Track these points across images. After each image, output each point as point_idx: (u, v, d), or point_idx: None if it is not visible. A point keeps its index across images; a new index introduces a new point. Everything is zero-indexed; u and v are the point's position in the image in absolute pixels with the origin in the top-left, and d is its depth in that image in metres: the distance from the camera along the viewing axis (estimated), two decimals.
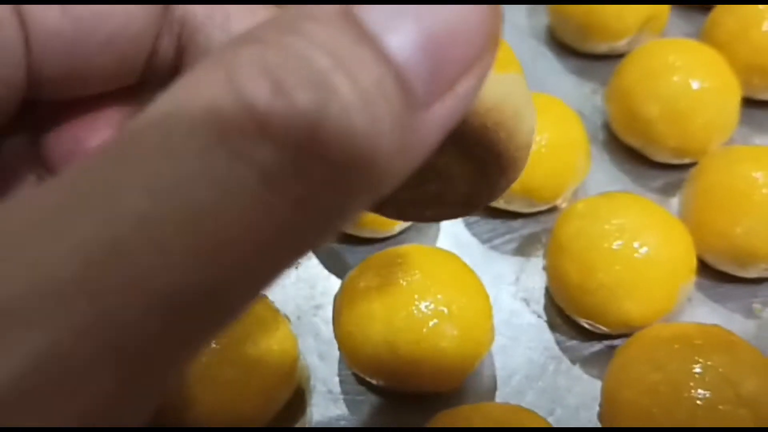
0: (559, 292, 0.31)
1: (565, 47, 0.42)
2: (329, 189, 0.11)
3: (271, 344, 0.28)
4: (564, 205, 0.35)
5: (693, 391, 0.25)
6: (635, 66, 0.36)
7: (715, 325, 0.28)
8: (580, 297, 0.29)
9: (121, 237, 0.10)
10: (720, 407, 0.25)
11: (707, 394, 0.25)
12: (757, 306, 0.32)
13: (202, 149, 0.10)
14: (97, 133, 0.20)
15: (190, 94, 0.11)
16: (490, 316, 0.29)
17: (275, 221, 0.11)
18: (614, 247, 0.29)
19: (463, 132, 0.15)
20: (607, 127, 0.38)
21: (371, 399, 0.30)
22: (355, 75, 0.11)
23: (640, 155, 0.37)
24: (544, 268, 0.32)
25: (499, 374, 0.31)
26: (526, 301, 0.33)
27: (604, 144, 0.38)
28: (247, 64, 0.11)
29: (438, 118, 0.12)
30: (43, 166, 0.20)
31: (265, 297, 0.30)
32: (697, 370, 0.26)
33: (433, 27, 0.12)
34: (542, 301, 0.33)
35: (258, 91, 0.11)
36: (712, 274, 0.32)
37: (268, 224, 0.11)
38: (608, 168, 0.37)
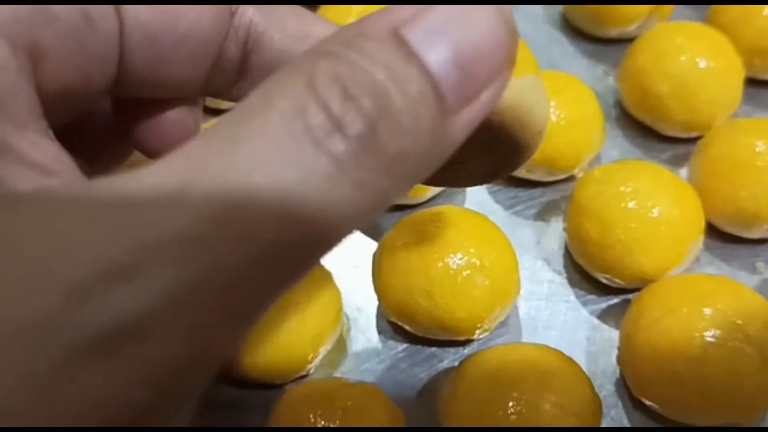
0: (578, 250, 0.34)
1: (578, 32, 0.44)
2: (381, 173, 0.14)
3: (320, 294, 0.31)
4: (581, 175, 0.38)
5: (704, 331, 0.28)
6: (646, 47, 0.38)
7: (723, 276, 0.30)
8: (599, 253, 0.32)
9: (232, 201, 0.13)
10: (729, 344, 0.28)
11: (717, 333, 0.28)
12: (760, 264, 0.35)
13: (294, 138, 0.13)
14: (174, 123, 0.23)
15: (279, 93, 0.14)
16: (517, 270, 0.32)
17: (341, 198, 0.14)
18: (630, 207, 0.32)
19: (487, 126, 0.19)
20: (619, 105, 0.41)
21: (407, 347, 0.33)
22: (404, 86, 0.14)
23: (649, 130, 0.40)
24: (564, 230, 0.35)
25: (524, 325, 0.34)
26: (547, 261, 0.36)
27: (616, 120, 0.41)
28: (323, 74, 0.14)
29: (465, 119, 0.15)
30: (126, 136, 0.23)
31: None
32: (707, 312, 0.28)
33: (463, 48, 0.15)
34: (562, 260, 0.36)
35: (332, 96, 0.14)
36: (719, 236, 0.35)
37: (335, 199, 0.14)
38: (621, 142, 0.40)
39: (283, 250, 0.13)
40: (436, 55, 0.15)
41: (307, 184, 0.13)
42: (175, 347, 0.13)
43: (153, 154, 0.23)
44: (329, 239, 0.14)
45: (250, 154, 0.13)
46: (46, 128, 0.18)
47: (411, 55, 0.14)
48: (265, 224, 0.13)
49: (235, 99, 0.22)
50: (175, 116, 0.22)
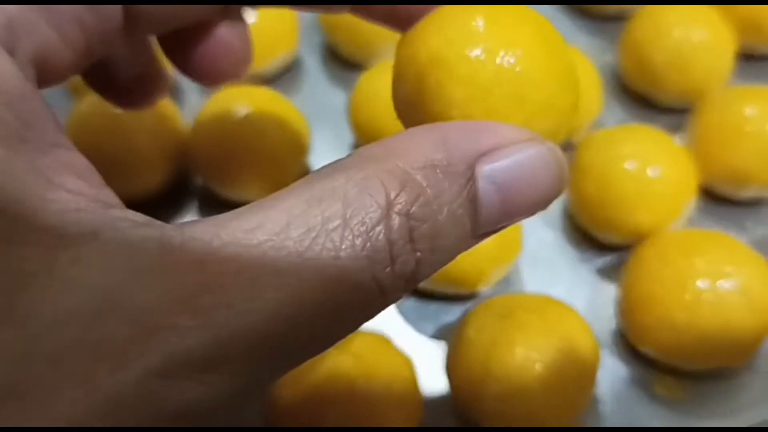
0: (579, 208, 0.35)
1: (577, 10, 0.46)
2: (405, 287, 0.16)
3: None
4: (578, 140, 0.39)
5: (697, 280, 0.30)
6: (645, 21, 0.40)
7: (716, 231, 0.32)
8: (599, 211, 0.34)
9: (298, 292, 0.15)
10: (720, 292, 0.29)
11: (709, 282, 0.30)
12: (749, 225, 0.36)
13: (355, 254, 0.15)
14: (221, 45, 0.24)
15: (358, 208, 0.15)
16: (519, 227, 0.33)
17: (372, 313, 0.16)
18: (629, 167, 0.33)
19: None
20: (616, 80, 0.43)
21: (413, 302, 0.35)
22: (456, 227, 0.16)
23: (645, 103, 0.41)
24: (566, 193, 0.36)
25: (526, 281, 0.35)
26: (548, 220, 0.37)
27: (614, 94, 0.42)
28: (399, 211, 0.15)
29: (484, 237, 0.17)
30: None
31: None
32: (701, 262, 0.30)
33: (515, 197, 0.17)
34: (561, 220, 0.37)
35: (398, 235, 0.15)
36: (711, 199, 0.37)
37: (367, 315, 0.16)
38: (618, 113, 0.42)
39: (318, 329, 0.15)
40: (491, 199, 0.16)
41: (352, 295, 0.15)
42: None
43: (211, 81, 0.24)
44: (345, 333, 0.16)
45: (317, 257, 0.15)
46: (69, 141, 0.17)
47: (474, 198, 0.16)
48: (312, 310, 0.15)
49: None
50: (220, 38, 0.23)
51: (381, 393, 0.29)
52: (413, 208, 0.15)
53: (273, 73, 0.43)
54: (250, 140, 0.36)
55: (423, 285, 0.33)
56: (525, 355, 0.28)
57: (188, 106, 0.42)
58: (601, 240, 0.35)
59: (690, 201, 0.34)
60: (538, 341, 0.29)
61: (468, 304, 0.34)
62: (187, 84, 0.43)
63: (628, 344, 0.32)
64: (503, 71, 0.18)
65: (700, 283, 0.30)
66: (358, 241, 0.15)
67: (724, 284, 0.30)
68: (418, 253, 0.16)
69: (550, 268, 0.36)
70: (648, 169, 0.33)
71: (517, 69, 0.18)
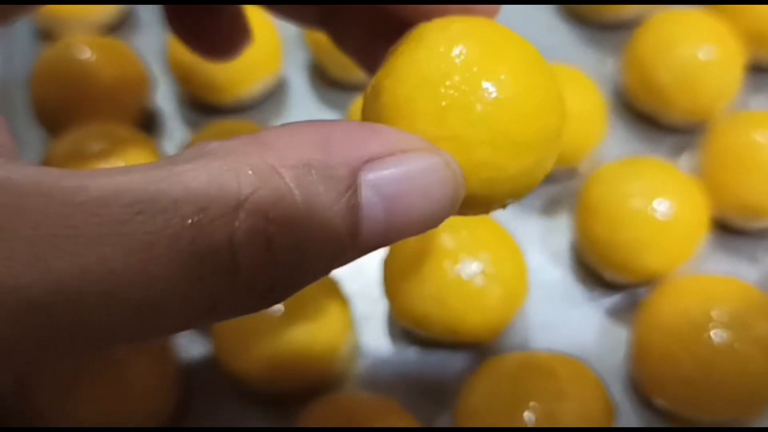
0: (587, 249, 0.34)
1: (575, 17, 0.44)
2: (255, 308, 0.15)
3: (329, 307, 0.31)
4: (583, 168, 0.38)
5: (712, 332, 0.29)
6: (648, 36, 0.38)
7: (731, 277, 0.31)
8: (608, 252, 0.33)
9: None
10: (735, 346, 0.28)
11: (724, 335, 0.29)
12: (760, 255, 0.35)
13: (176, 253, 0.13)
14: None
15: (193, 199, 0.13)
16: (525, 273, 0.32)
17: (192, 322, 0.14)
18: (638, 207, 0.32)
19: None
20: (616, 93, 0.41)
21: (418, 351, 0.33)
22: (333, 237, 0.14)
23: (647, 119, 0.40)
24: (572, 229, 0.35)
25: (532, 324, 0.34)
26: (554, 256, 0.36)
27: (615, 108, 0.41)
28: (252, 211, 0.13)
29: (365, 252, 0.15)
30: None
31: None
32: (716, 314, 0.29)
33: (403, 213, 0.15)
34: (568, 256, 0.36)
35: (247, 240, 0.13)
36: (721, 228, 0.36)
37: (184, 323, 0.14)
38: (620, 133, 0.40)
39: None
40: (375, 212, 0.15)
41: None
42: None
43: (212, 56, 0.27)
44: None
45: (131, 233, 0.13)
46: None
47: (355, 208, 0.14)
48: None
49: None
50: (227, 18, 0.25)
51: None
52: (273, 212, 0.13)
53: (257, 97, 0.41)
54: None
55: (428, 334, 0.32)
56: (536, 421, 0.27)
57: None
58: (609, 280, 0.34)
59: (702, 239, 0.33)
60: (551, 407, 0.28)
61: (474, 352, 0.33)
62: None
63: (641, 393, 0.31)
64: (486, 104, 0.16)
65: (715, 336, 0.29)
66: (185, 233, 0.13)
67: (740, 336, 0.28)
68: (279, 266, 0.14)
69: (558, 308, 0.34)
70: (658, 209, 0.32)
71: (501, 100, 0.16)
